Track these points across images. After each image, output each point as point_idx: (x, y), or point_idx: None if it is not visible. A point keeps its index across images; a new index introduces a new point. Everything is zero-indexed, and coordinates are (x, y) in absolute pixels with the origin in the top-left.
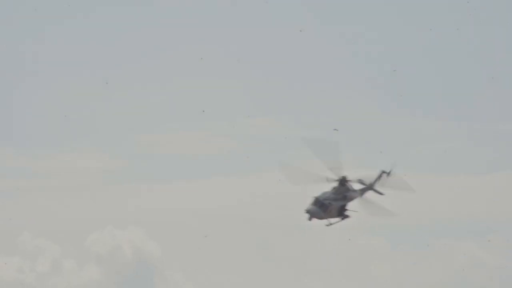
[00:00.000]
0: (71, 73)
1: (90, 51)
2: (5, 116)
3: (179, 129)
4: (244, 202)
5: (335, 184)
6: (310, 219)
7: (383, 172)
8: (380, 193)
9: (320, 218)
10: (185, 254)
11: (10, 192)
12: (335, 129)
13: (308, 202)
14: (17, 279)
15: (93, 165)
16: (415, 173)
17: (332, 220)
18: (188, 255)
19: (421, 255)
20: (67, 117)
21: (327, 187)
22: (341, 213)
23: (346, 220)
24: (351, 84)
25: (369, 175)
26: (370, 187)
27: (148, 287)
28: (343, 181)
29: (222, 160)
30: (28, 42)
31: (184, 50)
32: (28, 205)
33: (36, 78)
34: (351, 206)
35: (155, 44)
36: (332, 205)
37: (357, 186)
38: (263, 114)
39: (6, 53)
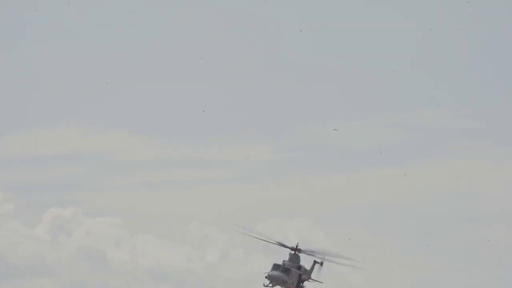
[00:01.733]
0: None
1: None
2: (175, 109)
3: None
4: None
5: (289, 252)
6: (273, 285)
7: (316, 262)
8: (319, 282)
9: (283, 282)
10: (353, 247)
11: (180, 182)
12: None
13: (268, 269)
14: (187, 268)
15: (262, 157)
16: None
17: None
18: (355, 249)
19: None
20: (237, 112)
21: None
22: (299, 284)
23: None
24: None
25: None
26: (308, 276)
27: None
28: (295, 250)
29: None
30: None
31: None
32: (197, 195)
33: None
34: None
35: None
36: (292, 270)
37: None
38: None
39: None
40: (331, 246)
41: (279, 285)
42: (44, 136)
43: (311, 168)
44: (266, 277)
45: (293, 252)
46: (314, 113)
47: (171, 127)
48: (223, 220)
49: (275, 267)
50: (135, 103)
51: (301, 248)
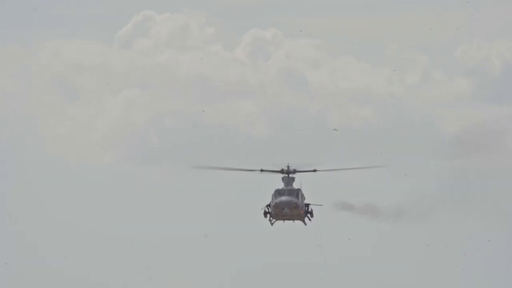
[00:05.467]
0: None
1: None
2: None
3: None
4: None
5: (281, 175)
6: (282, 213)
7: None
8: (319, 205)
9: (295, 207)
10: None
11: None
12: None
13: (272, 198)
14: (387, 91)
15: None
16: None
17: (305, 220)
18: None
19: None
20: None
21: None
22: (306, 209)
23: (312, 218)
24: None
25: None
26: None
27: None
28: (287, 171)
29: None
30: None
31: None
32: (398, 16)
33: None
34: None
35: None
36: (299, 192)
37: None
38: None
39: None
40: None
41: (289, 212)
42: None
43: None
44: (267, 210)
45: (286, 175)
46: None
47: None
48: (423, 39)
49: (280, 192)
50: None
51: (295, 168)
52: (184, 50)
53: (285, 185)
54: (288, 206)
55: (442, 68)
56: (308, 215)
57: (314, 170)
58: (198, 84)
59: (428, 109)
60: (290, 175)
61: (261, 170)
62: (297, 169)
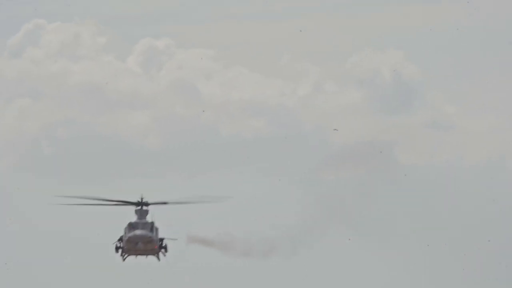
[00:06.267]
0: None
1: None
2: None
3: None
4: None
5: (135, 209)
6: (135, 248)
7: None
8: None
9: (149, 241)
10: (446, 77)
11: (274, 13)
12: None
13: (125, 232)
14: (279, 102)
15: None
16: None
17: (160, 255)
18: (448, 78)
19: None
20: None
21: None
22: (161, 243)
23: (166, 253)
24: None
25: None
26: None
27: (407, 110)
28: (141, 204)
29: None
30: None
31: None
32: (288, 27)
33: None
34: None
35: None
36: (154, 225)
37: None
38: None
39: None
40: None
41: (143, 246)
42: None
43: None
44: (119, 245)
45: (139, 207)
46: None
47: None
48: (316, 52)
49: (133, 226)
50: None
51: (148, 201)
52: (76, 59)
53: (138, 218)
54: (142, 241)
55: (333, 78)
56: (163, 249)
57: (165, 203)
58: (90, 94)
59: (319, 121)
60: (144, 208)
61: (113, 204)
62: (149, 201)
